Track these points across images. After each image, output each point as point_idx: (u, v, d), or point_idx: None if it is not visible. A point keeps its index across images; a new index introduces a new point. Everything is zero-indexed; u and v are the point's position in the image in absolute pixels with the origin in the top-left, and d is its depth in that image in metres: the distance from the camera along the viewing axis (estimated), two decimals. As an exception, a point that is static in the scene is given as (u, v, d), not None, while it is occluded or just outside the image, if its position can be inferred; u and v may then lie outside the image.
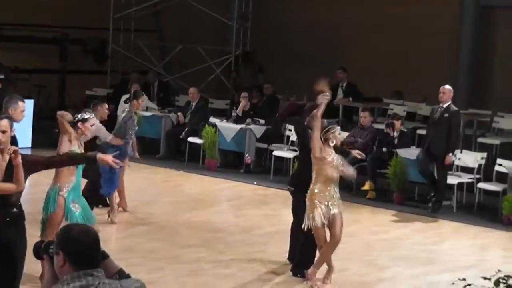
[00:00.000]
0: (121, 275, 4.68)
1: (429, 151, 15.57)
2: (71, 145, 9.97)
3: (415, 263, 12.20)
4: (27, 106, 17.99)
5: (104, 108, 12.63)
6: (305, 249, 11.12)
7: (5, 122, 8.05)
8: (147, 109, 20.01)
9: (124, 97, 19.34)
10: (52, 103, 21.67)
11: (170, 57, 23.28)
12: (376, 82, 20.24)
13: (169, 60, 23.37)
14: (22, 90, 19.16)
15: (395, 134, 16.84)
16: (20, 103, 10.37)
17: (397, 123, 16.91)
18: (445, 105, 15.53)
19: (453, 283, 10.50)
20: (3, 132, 7.98)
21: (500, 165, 15.44)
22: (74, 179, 9.93)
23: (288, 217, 14.81)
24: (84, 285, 4.33)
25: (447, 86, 15.57)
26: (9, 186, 7.85)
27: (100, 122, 12.60)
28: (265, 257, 12.20)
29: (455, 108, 15.57)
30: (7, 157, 8.02)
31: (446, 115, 15.42)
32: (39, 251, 4.67)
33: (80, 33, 22.79)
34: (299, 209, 11.05)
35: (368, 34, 21.08)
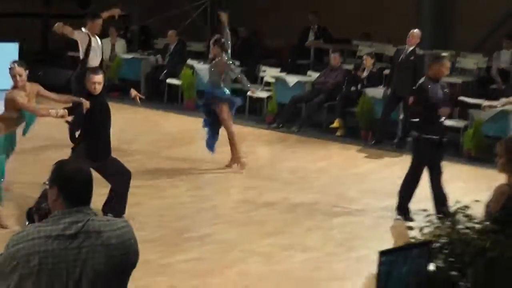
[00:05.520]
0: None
1: (394, 93, 15.72)
2: None
3: (383, 195, 12.36)
4: (12, 49, 18.13)
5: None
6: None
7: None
8: (127, 50, 20.14)
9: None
10: (36, 47, 21.59)
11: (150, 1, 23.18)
12: (345, 24, 20.28)
13: (149, 5, 23.25)
14: (8, 34, 19.13)
15: (365, 73, 16.95)
16: (91, 75, 10.22)
17: (369, 62, 16.98)
18: (410, 48, 15.66)
19: (415, 214, 10.77)
20: None
21: (462, 102, 15.60)
22: None
23: (261, 153, 15.03)
24: (74, 221, 4.38)
25: (416, 31, 15.65)
26: None
27: None
28: (240, 191, 12.38)
29: (421, 52, 15.69)
30: None
31: (412, 58, 15.56)
32: (31, 214, 4.69)
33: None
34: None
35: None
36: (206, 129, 13.68)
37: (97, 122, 10.22)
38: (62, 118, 10.38)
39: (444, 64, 11.07)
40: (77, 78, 13.53)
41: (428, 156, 10.94)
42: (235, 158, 13.54)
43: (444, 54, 11.45)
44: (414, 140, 11.15)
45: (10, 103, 10.21)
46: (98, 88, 10.18)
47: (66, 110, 10.30)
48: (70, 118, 10.90)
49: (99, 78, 10.19)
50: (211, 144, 13.60)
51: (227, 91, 13.52)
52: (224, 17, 13.92)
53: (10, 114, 10.16)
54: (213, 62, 13.68)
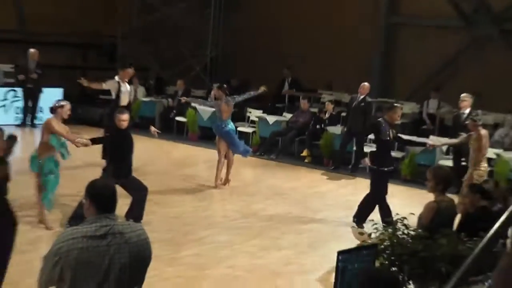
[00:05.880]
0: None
1: (349, 130, 15.76)
2: None
3: (339, 208, 12.35)
4: (58, 93, 18.10)
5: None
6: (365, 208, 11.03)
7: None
8: (146, 95, 20.18)
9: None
10: (76, 91, 21.56)
11: (163, 58, 23.20)
12: (312, 77, 20.34)
13: (163, 61, 23.26)
14: (55, 81, 19.11)
15: (327, 115, 17.01)
16: (119, 115, 10.16)
17: (330, 107, 17.09)
18: (362, 97, 15.71)
19: (365, 223, 10.75)
20: None
21: (401, 139, 15.62)
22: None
23: (247, 175, 14.99)
24: (104, 225, 4.38)
25: (366, 84, 15.73)
26: None
27: None
28: (231, 203, 12.35)
29: (369, 100, 15.75)
30: None
31: (363, 104, 15.61)
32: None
33: (98, 40, 22.73)
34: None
35: (308, 42, 21.13)
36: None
37: (123, 150, 10.16)
38: (85, 146, 10.32)
39: (396, 112, 11.05)
40: (108, 115, 13.48)
41: (385, 183, 10.92)
42: (226, 177, 13.55)
43: (396, 104, 11.46)
44: (373, 171, 11.06)
45: (47, 126, 10.09)
46: (124, 124, 10.13)
47: (89, 140, 10.26)
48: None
49: (125, 117, 10.15)
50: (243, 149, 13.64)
51: (229, 126, 13.51)
52: (262, 88, 14.22)
53: (46, 139, 10.09)
54: (217, 103, 13.68)
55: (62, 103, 10.26)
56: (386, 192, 10.89)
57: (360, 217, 10.99)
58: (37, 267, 4.45)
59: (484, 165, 11.40)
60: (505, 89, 17.34)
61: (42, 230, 9.91)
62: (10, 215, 6.92)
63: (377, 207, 10.92)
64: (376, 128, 11.01)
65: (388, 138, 10.92)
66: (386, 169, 10.86)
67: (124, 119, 10.10)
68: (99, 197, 4.46)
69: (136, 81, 19.99)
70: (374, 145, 11.67)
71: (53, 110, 10.17)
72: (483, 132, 11.46)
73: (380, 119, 11.12)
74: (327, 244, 10.12)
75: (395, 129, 11.27)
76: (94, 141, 10.45)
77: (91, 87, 13.91)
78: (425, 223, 6.83)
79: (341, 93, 19.94)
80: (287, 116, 17.98)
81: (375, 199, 10.88)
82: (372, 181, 11.07)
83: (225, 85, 14.17)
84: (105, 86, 13.71)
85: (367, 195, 11.05)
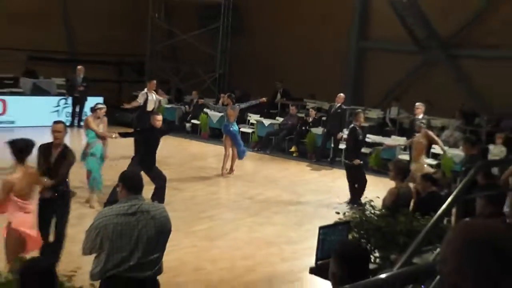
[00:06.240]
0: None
1: (328, 131, 15.72)
2: None
3: (320, 193, 12.32)
4: (99, 101, 18.06)
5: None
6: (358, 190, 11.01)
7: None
8: (168, 102, 20.09)
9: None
10: (114, 99, 21.50)
11: (182, 73, 23.15)
12: (299, 89, 20.29)
13: (181, 75, 23.21)
14: (97, 91, 19.07)
15: (311, 119, 16.97)
16: (156, 116, 10.11)
17: (313, 112, 17.07)
18: (338, 105, 15.64)
19: (340, 203, 10.74)
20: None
21: (368, 138, 15.58)
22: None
23: (247, 166, 14.96)
24: (133, 204, 4.40)
25: (342, 94, 15.66)
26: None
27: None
28: (234, 188, 12.32)
29: (344, 107, 15.69)
30: None
31: (339, 111, 15.54)
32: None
33: (130, 59, 22.70)
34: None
35: (295, 61, 21.09)
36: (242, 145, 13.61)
37: (150, 145, 10.08)
38: (115, 139, 10.32)
39: (361, 116, 11.30)
40: (137, 118, 13.48)
41: (363, 171, 11.00)
42: (230, 168, 13.49)
43: (359, 110, 11.56)
44: (350, 166, 11.03)
45: (85, 122, 10.35)
46: (159, 123, 10.13)
47: (118, 134, 10.24)
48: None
49: (159, 117, 10.19)
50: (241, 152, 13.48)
51: (234, 127, 13.48)
52: (263, 99, 14.35)
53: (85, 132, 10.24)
54: (226, 108, 13.72)
55: (100, 106, 10.41)
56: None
57: (354, 199, 10.99)
58: (82, 238, 4.44)
59: (424, 160, 11.29)
60: (449, 100, 17.36)
61: (86, 208, 9.89)
62: (69, 197, 6.95)
63: (348, 191, 10.92)
64: (354, 133, 11.08)
65: (361, 138, 11.10)
66: (361, 162, 11.04)
67: (159, 119, 10.13)
68: (129, 182, 4.48)
69: (161, 92, 19.91)
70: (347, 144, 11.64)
71: (92, 109, 10.35)
72: (430, 132, 11.52)
73: (353, 125, 11.18)
74: (311, 221, 10.08)
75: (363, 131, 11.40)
76: (123, 134, 10.47)
77: (133, 106, 13.99)
78: (388, 205, 6.82)
79: (322, 102, 19.88)
80: (279, 119, 17.94)
81: (361, 185, 10.94)
82: (352, 174, 11.10)
83: (233, 95, 14.18)
84: (139, 100, 13.78)
85: (356, 186, 11.11)
